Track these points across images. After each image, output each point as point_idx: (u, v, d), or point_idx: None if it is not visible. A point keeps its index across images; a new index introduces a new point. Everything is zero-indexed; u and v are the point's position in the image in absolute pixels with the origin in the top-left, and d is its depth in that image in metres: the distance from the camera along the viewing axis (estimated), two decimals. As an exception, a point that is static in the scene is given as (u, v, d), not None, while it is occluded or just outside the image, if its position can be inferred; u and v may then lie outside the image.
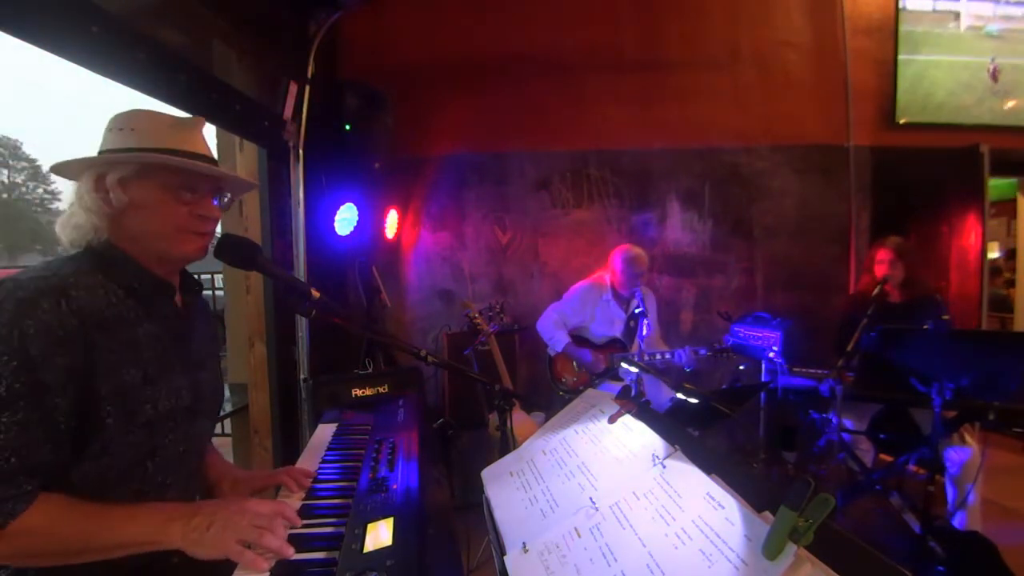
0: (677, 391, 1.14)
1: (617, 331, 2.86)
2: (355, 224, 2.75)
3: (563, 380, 2.90)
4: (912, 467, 2.19)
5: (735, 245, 3.47)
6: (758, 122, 3.40)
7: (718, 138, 3.41)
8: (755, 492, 0.62)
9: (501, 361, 2.63)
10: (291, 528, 0.88)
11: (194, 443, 1.03)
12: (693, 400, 1.25)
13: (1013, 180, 4.46)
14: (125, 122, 0.94)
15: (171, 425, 0.94)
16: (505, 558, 0.75)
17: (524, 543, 0.74)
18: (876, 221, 3.44)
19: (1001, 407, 1.88)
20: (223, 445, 3.11)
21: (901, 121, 3.45)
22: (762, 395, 2.76)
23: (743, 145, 3.41)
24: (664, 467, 0.72)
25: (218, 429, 3.16)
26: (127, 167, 0.91)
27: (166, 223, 0.94)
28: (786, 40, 3.42)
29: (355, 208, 2.72)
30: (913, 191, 3.41)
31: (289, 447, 2.35)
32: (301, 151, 2.34)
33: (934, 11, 3.47)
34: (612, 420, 0.92)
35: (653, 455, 0.76)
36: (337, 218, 2.64)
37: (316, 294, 1.07)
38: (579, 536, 0.71)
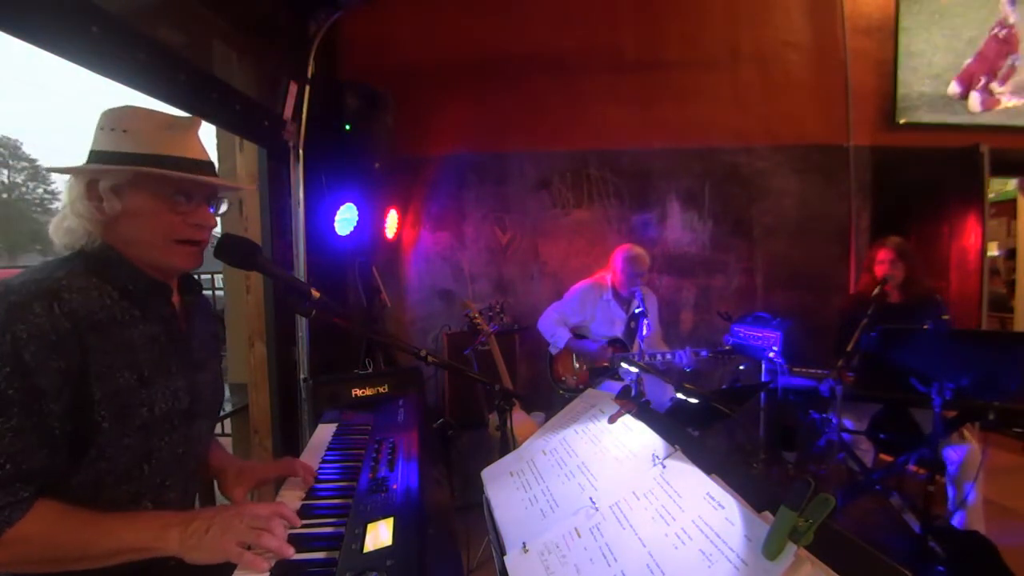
0: (677, 391, 1.14)
1: (618, 331, 2.87)
2: (355, 224, 2.75)
3: (563, 380, 2.91)
4: (912, 467, 2.19)
5: (735, 245, 3.47)
6: (758, 122, 3.40)
7: (718, 138, 3.41)
8: (755, 492, 0.62)
9: (501, 361, 2.63)
10: (290, 528, 0.88)
11: (192, 445, 1.02)
12: (693, 400, 1.25)
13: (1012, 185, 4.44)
14: (118, 121, 0.91)
15: (168, 427, 0.93)
16: (505, 558, 0.75)
17: (524, 543, 0.74)
18: (876, 221, 3.44)
19: (1001, 407, 1.88)
20: (223, 445, 3.11)
21: (901, 121, 3.45)
22: (762, 395, 2.76)
23: (743, 145, 3.41)
24: (664, 467, 0.72)
25: (218, 429, 3.16)
26: (120, 175, 0.89)
27: (158, 232, 0.92)
28: (786, 40, 3.42)
29: (355, 208, 2.72)
30: (913, 191, 3.41)
31: (289, 447, 2.35)
32: (301, 151, 2.34)
33: None
34: (612, 420, 0.92)
35: (653, 455, 0.76)
36: (337, 218, 2.63)
37: (316, 294, 1.06)
38: (579, 536, 0.71)
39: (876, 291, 2.43)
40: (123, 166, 0.89)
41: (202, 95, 1.70)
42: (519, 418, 2.45)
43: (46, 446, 0.78)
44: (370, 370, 2.54)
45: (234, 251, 1.03)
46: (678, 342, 3.14)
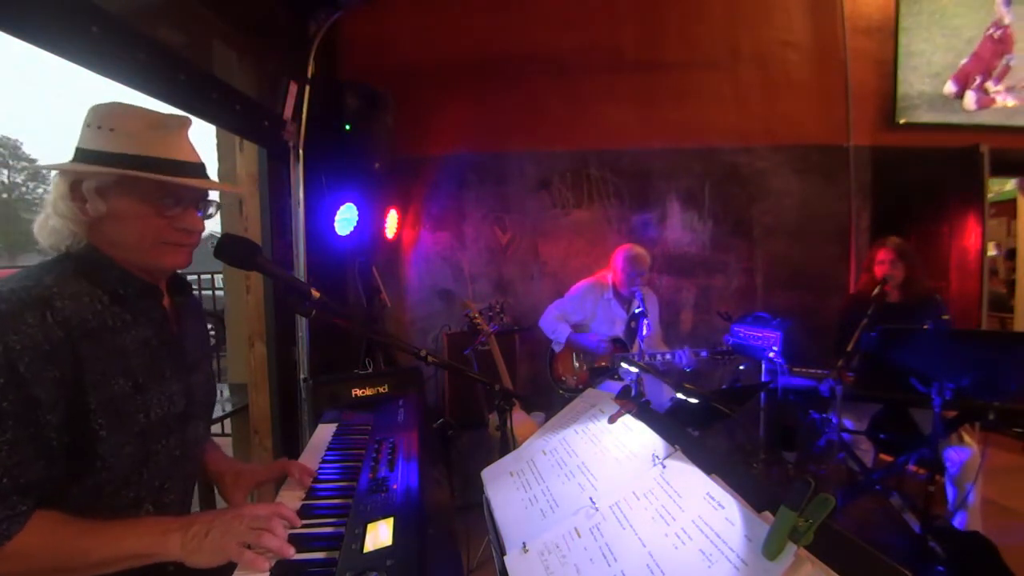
0: (677, 391, 1.14)
1: (618, 331, 2.87)
2: (355, 224, 2.75)
3: (563, 380, 2.91)
4: (912, 467, 2.19)
5: (735, 245, 3.47)
6: (758, 122, 3.40)
7: (718, 138, 3.41)
8: (755, 492, 0.62)
9: (501, 361, 2.63)
10: (290, 528, 0.88)
11: (189, 447, 1.01)
12: (693, 400, 1.25)
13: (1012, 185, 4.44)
14: (104, 119, 0.88)
15: (165, 431, 0.92)
16: (505, 558, 0.75)
17: (524, 543, 0.74)
18: (876, 221, 3.44)
19: (1001, 407, 1.88)
20: (223, 445, 3.10)
21: (901, 121, 3.45)
22: (762, 395, 2.76)
23: (743, 145, 3.41)
24: (664, 467, 0.72)
25: (217, 429, 3.17)
26: (105, 176, 0.86)
27: (145, 236, 0.90)
28: (786, 40, 3.42)
29: (355, 208, 2.72)
30: (913, 191, 3.41)
31: (289, 447, 2.35)
32: (301, 151, 2.34)
33: None
34: (612, 420, 0.92)
35: (653, 455, 0.76)
36: (337, 218, 2.63)
37: (316, 294, 1.06)
38: (579, 536, 0.71)
39: (876, 291, 2.43)
40: (108, 167, 0.86)
41: (202, 95, 1.70)
42: (519, 418, 2.45)
43: (43, 458, 0.77)
44: (370, 370, 2.54)
45: (234, 251, 1.03)
46: (678, 342, 3.14)
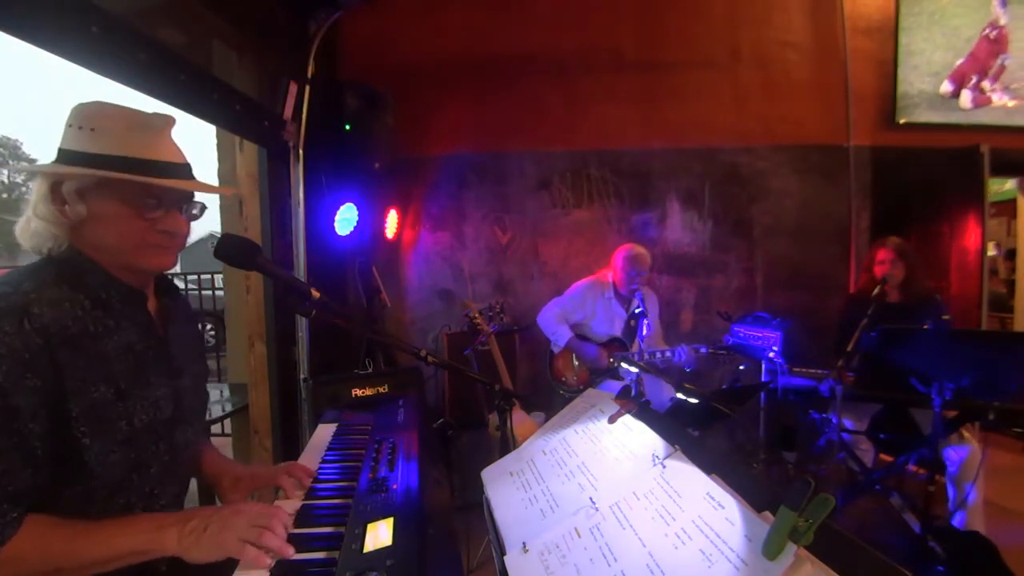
0: (677, 391, 1.14)
1: (617, 330, 2.87)
2: (355, 224, 2.75)
3: (563, 379, 2.91)
4: (912, 467, 2.19)
5: (735, 245, 3.47)
6: (758, 122, 3.40)
7: (718, 138, 3.41)
8: (755, 492, 0.62)
9: (501, 361, 2.63)
10: (290, 528, 0.88)
11: (179, 452, 0.99)
12: (693, 400, 1.25)
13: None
14: (86, 119, 0.86)
15: (153, 438, 0.91)
16: (505, 558, 0.75)
17: (524, 543, 0.74)
18: (876, 221, 3.44)
19: (1001, 407, 1.88)
20: (223, 445, 3.10)
21: (901, 121, 3.45)
22: (762, 395, 2.75)
23: (743, 145, 3.41)
24: (664, 467, 0.72)
25: (218, 429, 3.17)
26: (86, 177, 0.84)
27: (126, 239, 0.87)
28: (786, 40, 3.42)
29: (355, 208, 2.72)
30: (913, 191, 3.41)
31: (289, 447, 2.35)
32: (301, 151, 2.34)
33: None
34: (612, 420, 0.92)
35: (653, 455, 0.76)
36: (337, 218, 2.64)
37: (316, 294, 1.06)
38: (579, 536, 0.71)
39: (876, 291, 2.43)
40: (87, 169, 0.84)
41: (202, 95, 1.70)
42: (519, 418, 2.45)
43: (29, 466, 0.76)
44: (370, 370, 2.54)
45: (234, 251, 1.02)
46: (678, 342, 3.13)
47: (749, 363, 2.85)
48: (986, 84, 3.46)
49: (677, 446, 0.75)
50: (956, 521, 2.19)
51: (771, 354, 2.57)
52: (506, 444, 1.18)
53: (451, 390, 3.04)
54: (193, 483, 1.20)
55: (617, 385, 1.03)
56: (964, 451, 2.23)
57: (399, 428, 1.38)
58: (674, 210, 3.46)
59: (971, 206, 3.23)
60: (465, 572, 1.94)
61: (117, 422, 0.85)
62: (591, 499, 0.76)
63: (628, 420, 0.90)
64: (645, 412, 0.90)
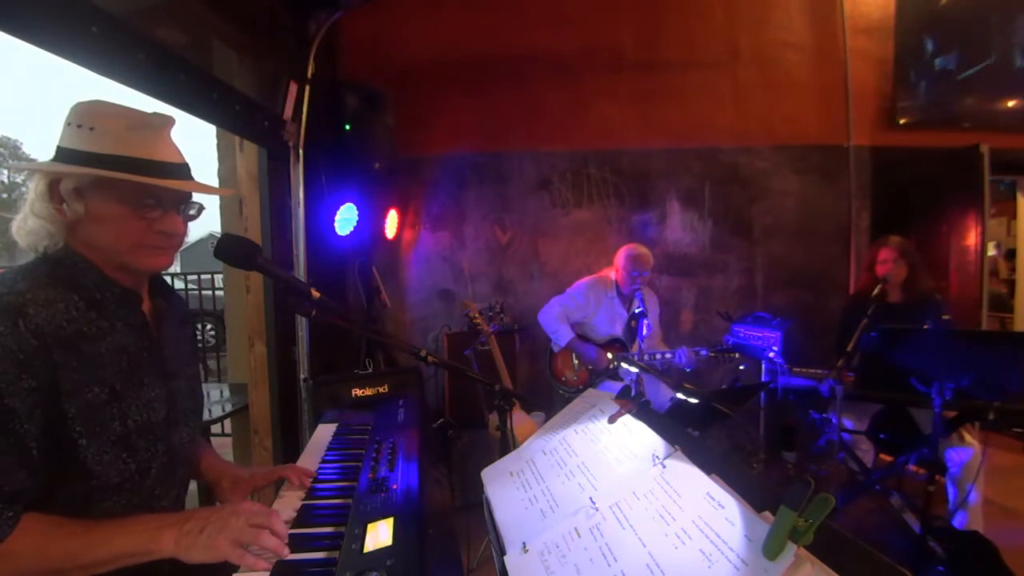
0: (677, 391, 1.14)
1: (619, 330, 2.87)
2: (355, 224, 2.75)
3: (563, 379, 2.91)
4: (912, 467, 2.18)
5: (735, 245, 3.47)
6: (758, 122, 3.40)
7: (718, 138, 3.41)
8: (755, 492, 0.62)
9: (501, 361, 2.63)
10: (290, 528, 0.88)
11: (176, 453, 0.99)
12: (693, 400, 1.25)
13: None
14: (85, 118, 0.86)
15: (149, 439, 0.91)
16: (505, 558, 0.75)
17: (524, 543, 0.74)
18: (876, 221, 3.44)
19: (1001, 407, 1.88)
20: (223, 445, 3.11)
21: (901, 121, 3.45)
22: (762, 395, 2.76)
23: (743, 145, 3.41)
24: (664, 467, 0.72)
25: (218, 429, 3.17)
26: (83, 176, 0.84)
27: (123, 239, 0.87)
28: (786, 40, 3.42)
29: (355, 208, 2.72)
30: (913, 191, 3.41)
31: (289, 447, 2.35)
32: (301, 151, 2.34)
33: None
34: (612, 420, 0.92)
35: (653, 455, 0.76)
36: (337, 218, 2.64)
37: (316, 294, 1.06)
38: (579, 536, 0.71)
39: (876, 291, 2.43)
40: (85, 168, 0.83)
41: (202, 95, 1.70)
42: (519, 418, 2.45)
43: (25, 467, 0.76)
44: (370, 370, 2.54)
45: (234, 251, 1.02)
46: (678, 342, 3.14)
47: (749, 363, 2.85)
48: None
49: (677, 446, 0.75)
50: (956, 521, 2.19)
51: (771, 354, 2.57)
52: (506, 444, 1.18)
53: (451, 390, 3.04)
54: (193, 484, 1.20)
55: (617, 385, 1.03)
56: (966, 453, 2.23)
57: (399, 428, 1.38)
58: (674, 210, 3.46)
59: (971, 206, 3.23)
60: (465, 572, 1.93)
61: (111, 423, 0.85)
62: (591, 499, 0.76)
63: (628, 420, 0.90)
64: (645, 412, 0.90)
